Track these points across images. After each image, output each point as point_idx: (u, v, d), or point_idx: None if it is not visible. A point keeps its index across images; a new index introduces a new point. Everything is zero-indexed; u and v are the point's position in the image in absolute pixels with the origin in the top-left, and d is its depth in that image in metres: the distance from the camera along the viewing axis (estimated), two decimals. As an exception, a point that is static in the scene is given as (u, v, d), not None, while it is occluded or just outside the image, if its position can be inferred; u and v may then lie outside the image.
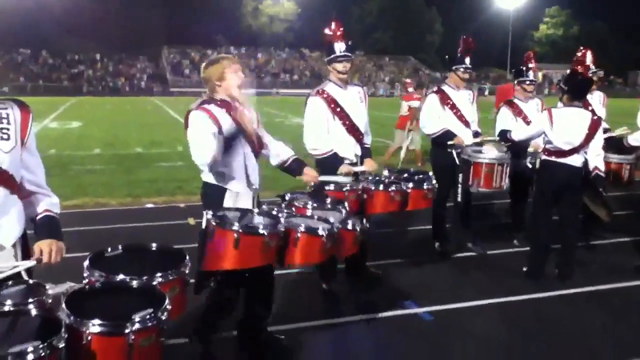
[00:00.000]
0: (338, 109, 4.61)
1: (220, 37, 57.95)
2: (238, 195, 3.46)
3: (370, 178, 4.39)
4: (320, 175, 3.91)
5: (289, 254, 2.99)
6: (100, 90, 47.19)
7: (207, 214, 2.84)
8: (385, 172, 4.63)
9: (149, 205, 7.85)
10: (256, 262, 2.82)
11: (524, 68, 5.92)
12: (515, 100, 6.00)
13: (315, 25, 60.36)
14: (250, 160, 3.51)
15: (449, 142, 5.44)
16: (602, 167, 4.95)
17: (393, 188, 4.18)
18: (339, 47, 4.59)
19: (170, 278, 2.26)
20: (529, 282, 4.97)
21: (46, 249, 2.28)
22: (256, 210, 3.27)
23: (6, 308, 1.90)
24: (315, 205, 3.57)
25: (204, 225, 2.84)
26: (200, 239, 2.88)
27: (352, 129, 4.68)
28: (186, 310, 2.47)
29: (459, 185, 5.52)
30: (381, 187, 4.19)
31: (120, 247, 2.49)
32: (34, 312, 1.90)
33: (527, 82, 5.90)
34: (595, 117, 4.87)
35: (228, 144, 3.33)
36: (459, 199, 5.60)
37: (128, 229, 6.50)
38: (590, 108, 5.39)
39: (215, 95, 3.46)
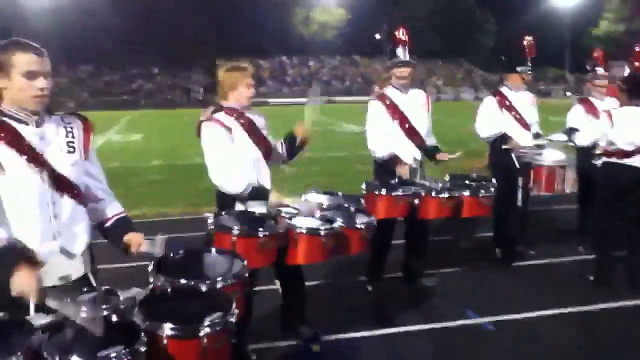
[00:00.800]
0: (397, 113, 4.64)
1: (271, 47, 58.78)
2: (248, 202, 3.52)
3: (427, 184, 4.36)
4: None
5: (290, 254, 3.12)
6: (158, 103, 48.62)
7: (209, 219, 3.03)
8: (447, 177, 4.59)
9: (208, 214, 8.00)
10: (255, 263, 2.90)
11: (593, 66, 5.75)
12: (591, 98, 5.82)
13: (365, 31, 60.43)
14: (261, 165, 3.61)
15: (504, 147, 5.31)
16: None
17: (445, 194, 4.14)
18: (401, 52, 4.64)
19: (230, 282, 2.32)
20: (597, 291, 4.77)
21: (139, 238, 2.44)
22: (259, 211, 3.35)
23: (83, 315, 1.99)
24: (327, 205, 3.64)
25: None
26: (205, 243, 3.01)
27: (411, 133, 4.67)
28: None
29: (519, 189, 5.37)
30: (433, 193, 4.15)
31: (181, 251, 2.56)
32: (111, 317, 1.97)
33: (600, 78, 5.73)
34: None
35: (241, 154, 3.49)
36: (519, 204, 5.44)
37: (188, 238, 6.66)
38: None
39: (224, 103, 3.58)
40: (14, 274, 2.05)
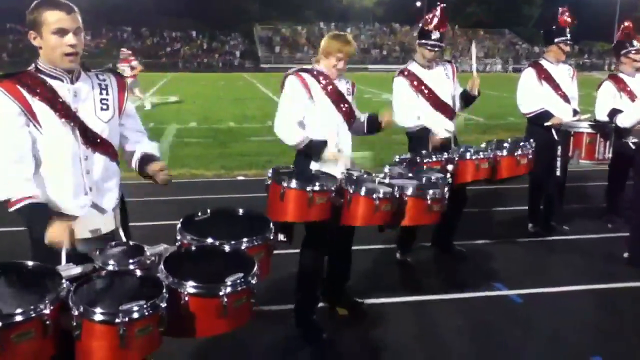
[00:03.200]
0: (422, 87, 4.59)
1: (310, 13, 58.12)
2: (325, 162, 3.54)
3: (462, 149, 4.27)
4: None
5: (344, 215, 3.11)
6: (195, 67, 48.89)
7: (270, 171, 3.10)
8: (483, 144, 4.50)
9: (240, 178, 8.12)
10: (302, 216, 2.97)
11: (626, 40, 5.50)
12: (620, 75, 5.59)
13: (402, 2, 59.04)
14: (342, 129, 3.65)
15: (546, 124, 5.16)
16: None
17: (478, 156, 4.09)
18: (434, 34, 4.50)
19: (256, 243, 2.34)
20: (628, 269, 4.67)
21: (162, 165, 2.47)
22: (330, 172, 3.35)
23: (110, 267, 2.04)
24: (404, 172, 3.59)
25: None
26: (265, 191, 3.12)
27: (439, 106, 4.60)
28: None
29: (558, 159, 5.23)
30: (468, 155, 4.11)
31: (209, 211, 2.58)
32: (137, 272, 2.02)
33: (633, 52, 5.47)
34: None
35: (317, 114, 3.53)
36: (558, 173, 5.30)
37: (220, 200, 6.75)
38: None
39: (315, 65, 3.64)
40: (48, 226, 2.12)
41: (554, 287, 4.33)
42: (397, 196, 3.15)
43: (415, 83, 4.59)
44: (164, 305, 1.82)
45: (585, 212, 6.14)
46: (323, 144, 3.53)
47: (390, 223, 3.22)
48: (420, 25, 4.65)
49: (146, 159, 2.54)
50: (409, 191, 3.21)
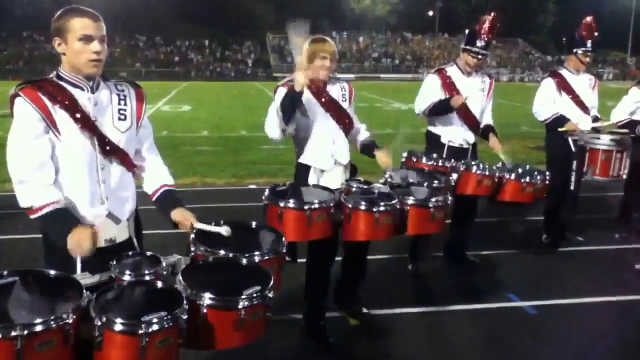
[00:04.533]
0: (454, 92, 4.57)
1: (322, 21, 58.38)
2: (323, 172, 3.53)
3: (474, 163, 4.26)
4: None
5: (345, 230, 3.07)
6: (208, 75, 49.23)
7: (266, 191, 3.05)
8: (499, 165, 4.42)
9: (252, 186, 8.15)
10: (303, 236, 2.91)
11: None
12: None
13: (419, 8, 59.13)
14: (337, 137, 3.58)
15: (560, 129, 5.13)
16: None
17: (482, 172, 4.03)
18: (480, 42, 4.51)
19: (267, 257, 2.34)
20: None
21: (189, 217, 2.45)
22: (331, 185, 3.33)
23: (126, 277, 2.05)
24: (408, 180, 3.57)
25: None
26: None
27: (465, 114, 4.61)
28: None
29: (573, 173, 5.20)
30: (473, 169, 4.06)
31: (222, 222, 2.58)
32: (156, 283, 2.03)
33: None
34: None
35: (306, 118, 3.48)
36: (572, 188, 5.27)
37: (232, 208, 6.77)
38: None
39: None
40: (71, 232, 2.14)
41: (568, 299, 4.30)
42: (399, 207, 3.09)
43: (447, 84, 4.58)
44: (184, 317, 1.82)
45: (599, 223, 6.09)
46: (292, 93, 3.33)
47: (396, 233, 3.15)
48: (468, 30, 4.66)
49: (169, 199, 2.55)
50: (410, 201, 3.15)
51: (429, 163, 4.18)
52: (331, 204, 2.98)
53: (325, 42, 3.52)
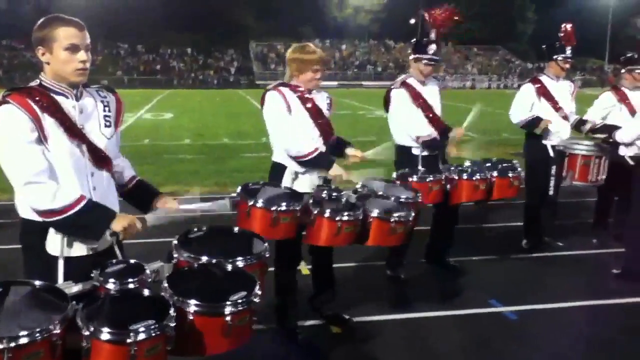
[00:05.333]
0: (421, 101, 4.63)
1: (306, 29, 58.54)
2: (298, 176, 3.59)
3: (453, 168, 4.35)
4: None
5: (308, 234, 3.14)
6: (190, 83, 49.05)
7: (239, 187, 3.14)
8: (467, 163, 4.54)
9: (234, 194, 8.11)
10: (267, 234, 2.91)
11: (636, 55, 5.56)
12: (623, 88, 5.66)
13: (401, 16, 59.53)
14: (319, 144, 3.64)
15: (535, 130, 5.21)
16: None
17: (477, 177, 4.16)
18: (431, 48, 4.56)
19: (250, 262, 2.36)
20: (623, 284, 4.69)
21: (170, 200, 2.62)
22: (303, 190, 3.41)
23: (110, 286, 2.05)
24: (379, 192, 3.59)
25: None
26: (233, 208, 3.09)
27: (434, 121, 4.68)
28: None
29: (552, 179, 5.28)
30: (465, 176, 4.16)
31: (204, 228, 2.61)
32: (142, 291, 2.03)
33: (637, 71, 5.53)
34: None
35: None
36: (552, 193, 5.35)
37: (215, 216, 6.73)
38: None
39: (290, 81, 3.64)
40: (115, 218, 2.25)
41: (549, 304, 4.35)
42: (361, 218, 3.16)
43: (415, 97, 4.63)
44: (172, 324, 1.83)
45: (579, 228, 6.18)
46: (332, 159, 3.57)
47: (356, 242, 3.22)
48: (415, 40, 4.73)
49: (149, 188, 2.67)
50: (374, 213, 3.20)
51: (426, 181, 4.11)
52: (298, 208, 3.06)
53: (316, 53, 3.59)
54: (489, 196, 4.29)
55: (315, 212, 3.07)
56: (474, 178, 4.18)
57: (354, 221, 3.10)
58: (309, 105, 3.59)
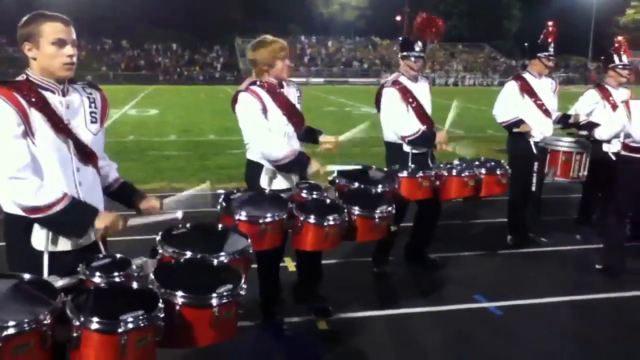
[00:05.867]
0: (412, 99, 4.66)
1: (292, 26, 58.45)
2: (276, 174, 3.58)
3: (442, 165, 4.39)
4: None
5: (295, 239, 3.16)
6: (176, 79, 48.72)
7: (220, 198, 3.13)
8: (456, 161, 4.57)
9: (220, 191, 8.07)
10: (259, 246, 2.94)
11: (615, 53, 5.63)
12: (607, 86, 5.72)
13: (387, 13, 59.64)
14: (292, 140, 3.65)
15: (515, 129, 5.28)
16: None
17: (466, 173, 4.22)
18: (418, 45, 4.62)
19: (233, 258, 2.40)
20: (606, 279, 4.76)
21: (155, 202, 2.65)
22: (281, 189, 3.46)
23: (96, 279, 2.04)
24: (351, 188, 3.65)
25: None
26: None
27: (424, 118, 4.70)
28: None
29: (535, 175, 5.34)
30: (454, 172, 4.22)
31: (188, 225, 2.63)
32: (130, 284, 2.05)
33: (621, 67, 5.60)
34: None
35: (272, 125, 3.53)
36: (535, 189, 5.41)
37: (200, 213, 6.71)
38: None
39: (261, 78, 3.60)
40: (99, 216, 2.26)
41: (533, 299, 4.39)
42: (347, 219, 3.19)
43: (406, 95, 4.64)
44: (161, 315, 1.85)
45: (562, 224, 6.24)
46: (307, 158, 3.57)
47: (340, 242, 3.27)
48: (401, 39, 4.77)
49: (133, 190, 2.70)
50: (356, 211, 3.25)
51: (416, 176, 4.16)
52: (284, 217, 3.05)
53: (278, 42, 3.58)
54: (478, 193, 4.34)
55: (302, 218, 3.08)
56: (463, 175, 4.24)
57: (340, 224, 3.13)
58: (281, 100, 3.58)
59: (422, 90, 4.75)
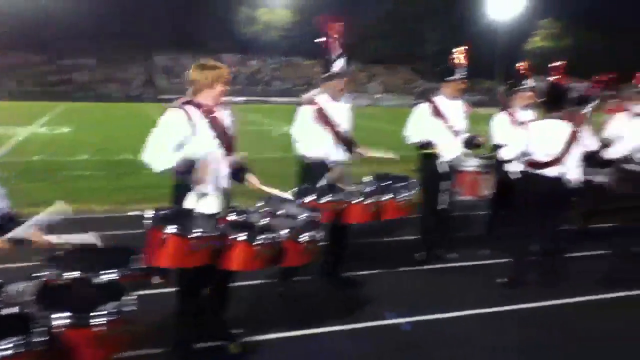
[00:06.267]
0: (326, 118, 4.72)
1: (213, 44, 58.01)
2: (203, 197, 3.51)
3: (348, 188, 4.48)
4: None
5: (224, 259, 3.13)
6: (92, 96, 46.98)
7: (147, 213, 3.04)
8: (367, 178, 4.69)
9: (136, 213, 7.81)
10: (182, 263, 2.94)
11: (520, 78, 6.00)
12: (514, 109, 6.06)
13: (311, 34, 60.35)
14: (222, 163, 3.63)
15: (425, 151, 5.50)
16: (581, 178, 5.00)
17: (369, 201, 4.31)
18: (338, 64, 4.72)
19: (120, 275, 2.38)
20: (510, 292, 4.99)
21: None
22: (207, 211, 3.35)
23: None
24: (281, 212, 3.65)
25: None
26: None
27: (340, 137, 4.78)
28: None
29: (442, 193, 5.56)
30: (356, 199, 4.30)
31: (70, 247, 2.60)
32: (9, 309, 1.98)
33: (524, 90, 5.95)
34: (574, 129, 4.92)
35: (200, 147, 3.47)
36: (442, 206, 5.61)
37: (113, 236, 6.45)
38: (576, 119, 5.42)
39: (196, 98, 3.57)
40: None
41: (443, 313, 4.52)
42: (277, 241, 3.22)
43: (322, 114, 4.71)
44: (42, 339, 1.80)
45: (471, 240, 6.47)
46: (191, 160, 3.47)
47: (271, 265, 3.29)
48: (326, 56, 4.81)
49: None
50: (286, 234, 3.28)
51: (322, 201, 4.21)
52: (214, 234, 3.03)
53: (222, 68, 3.61)
54: (380, 217, 4.43)
55: (232, 236, 3.06)
56: (365, 202, 4.31)
57: (270, 244, 3.15)
58: (214, 122, 3.56)
59: (341, 110, 4.84)
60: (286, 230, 3.27)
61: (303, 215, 3.57)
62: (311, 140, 4.71)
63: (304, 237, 3.31)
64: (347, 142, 4.84)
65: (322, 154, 4.72)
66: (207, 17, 57.38)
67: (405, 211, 4.57)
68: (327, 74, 4.75)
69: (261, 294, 4.86)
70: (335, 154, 4.79)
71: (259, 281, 5.00)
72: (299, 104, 4.87)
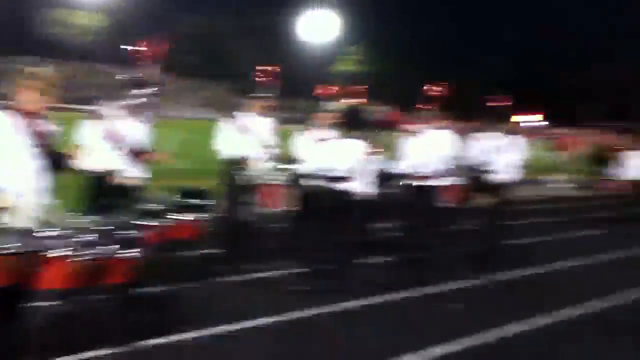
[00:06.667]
0: (112, 133, 4.74)
1: (7, 47, 52.23)
2: (14, 209, 3.11)
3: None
4: None
5: (37, 277, 2.97)
6: None
7: None
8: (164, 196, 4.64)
9: None
10: None
11: (324, 99, 6.45)
12: (315, 128, 6.40)
13: (117, 42, 57.37)
14: (40, 175, 3.31)
15: (235, 167, 5.65)
16: (371, 191, 5.48)
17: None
18: (135, 90, 4.85)
19: None
20: (309, 297, 5.18)
21: None
22: (20, 226, 3.02)
23: None
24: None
25: None
26: None
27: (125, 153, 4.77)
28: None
29: (245, 205, 5.69)
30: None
31: None
32: None
33: (325, 110, 6.37)
34: (364, 146, 5.42)
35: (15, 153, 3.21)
36: (245, 218, 5.73)
37: None
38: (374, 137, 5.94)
39: (20, 105, 3.33)
40: None
41: (239, 323, 4.54)
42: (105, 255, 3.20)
43: (107, 130, 4.68)
44: None
45: (275, 251, 6.51)
46: None
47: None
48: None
49: None
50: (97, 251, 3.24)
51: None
52: (27, 250, 2.81)
53: (45, 75, 3.42)
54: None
55: (48, 252, 2.90)
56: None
57: (92, 259, 3.13)
58: (34, 129, 3.30)
59: (133, 126, 4.86)
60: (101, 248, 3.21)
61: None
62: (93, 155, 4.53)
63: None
64: (130, 154, 4.76)
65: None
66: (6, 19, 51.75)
67: (196, 232, 4.59)
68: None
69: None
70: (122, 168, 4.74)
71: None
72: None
